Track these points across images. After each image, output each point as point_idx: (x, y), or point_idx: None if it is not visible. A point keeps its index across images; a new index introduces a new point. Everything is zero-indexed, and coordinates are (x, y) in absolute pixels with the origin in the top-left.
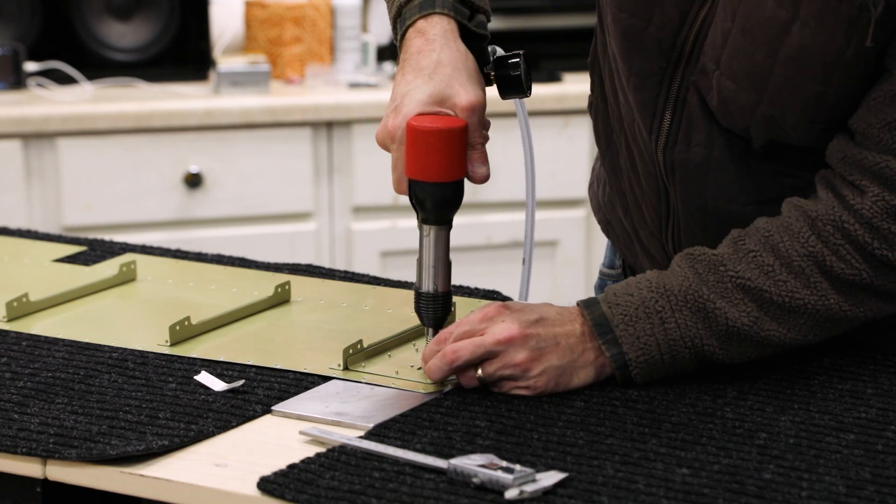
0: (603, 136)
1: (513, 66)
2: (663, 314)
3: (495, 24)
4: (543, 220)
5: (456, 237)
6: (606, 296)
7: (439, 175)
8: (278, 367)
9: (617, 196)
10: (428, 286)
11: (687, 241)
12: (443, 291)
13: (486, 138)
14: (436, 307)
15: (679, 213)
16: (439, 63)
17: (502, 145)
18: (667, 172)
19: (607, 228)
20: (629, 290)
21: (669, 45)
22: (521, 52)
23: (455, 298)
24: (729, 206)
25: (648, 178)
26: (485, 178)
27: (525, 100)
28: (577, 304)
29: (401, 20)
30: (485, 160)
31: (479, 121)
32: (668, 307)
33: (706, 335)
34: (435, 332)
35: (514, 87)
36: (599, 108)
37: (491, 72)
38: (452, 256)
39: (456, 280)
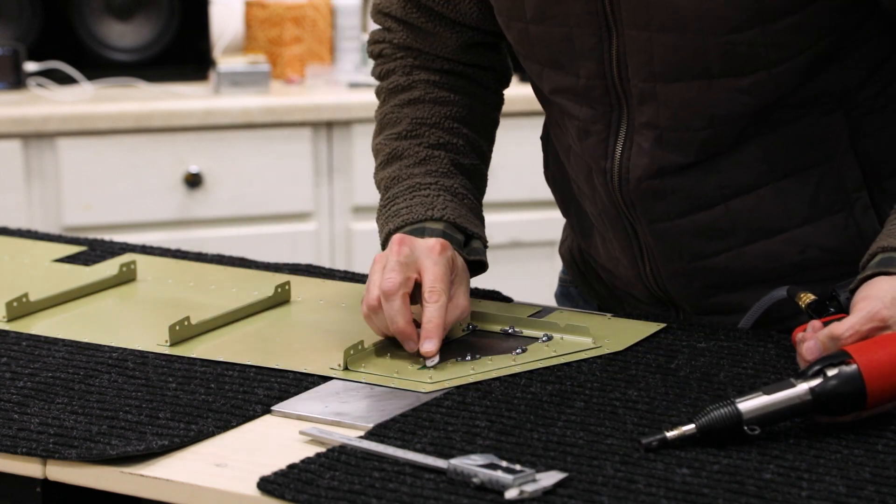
0: (562, 204)
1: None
2: None
3: None
4: (543, 220)
5: None
6: None
7: None
8: (278, 367)
9: (592, 256)
10: None
11: (665, 269)
12: None
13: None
14: None
15: (650, 245)
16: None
17: (502, 144)
18: (628, 209)
19: (587, 289)
20: None
21: (602, 91)
22: None
23: None
24: (678, 221)
25: (616, 223)
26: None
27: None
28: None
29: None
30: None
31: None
32: None
33: None
34: None
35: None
36: (557, 179)
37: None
38: None
39: None
